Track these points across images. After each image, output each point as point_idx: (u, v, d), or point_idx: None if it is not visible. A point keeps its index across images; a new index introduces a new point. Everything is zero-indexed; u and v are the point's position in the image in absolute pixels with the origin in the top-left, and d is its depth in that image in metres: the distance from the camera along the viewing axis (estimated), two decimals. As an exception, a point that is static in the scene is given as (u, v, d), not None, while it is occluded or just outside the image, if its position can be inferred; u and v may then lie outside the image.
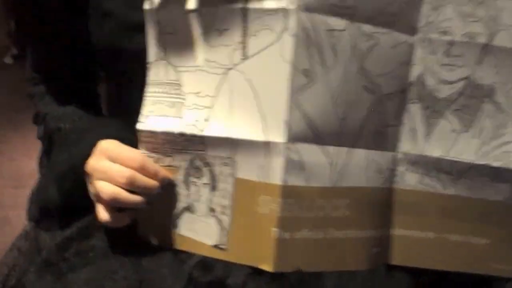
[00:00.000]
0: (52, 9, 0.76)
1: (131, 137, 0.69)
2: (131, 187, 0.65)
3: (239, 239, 0.65)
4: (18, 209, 0.81)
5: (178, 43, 0.66)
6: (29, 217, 0.78)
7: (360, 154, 0.66)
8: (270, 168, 0.63)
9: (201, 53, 0.66)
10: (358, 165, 0.66)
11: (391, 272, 0.68)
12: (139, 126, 0.69)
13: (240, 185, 0.65)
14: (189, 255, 0.68)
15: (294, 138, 0.62)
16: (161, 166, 0.68)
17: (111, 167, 0.65)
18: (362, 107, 0.65)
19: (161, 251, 0.69)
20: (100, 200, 0.66)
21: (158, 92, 0.69)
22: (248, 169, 0.64)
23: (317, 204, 0.64)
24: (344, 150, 0.65)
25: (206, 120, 0.66)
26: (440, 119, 0.67)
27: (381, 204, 0.68)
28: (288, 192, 0.62)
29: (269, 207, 0.63)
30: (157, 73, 0.69)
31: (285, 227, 0.63)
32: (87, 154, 0.69)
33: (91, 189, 0.68)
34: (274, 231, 0.63)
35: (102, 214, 0.66)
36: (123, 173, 0.65)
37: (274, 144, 0.62)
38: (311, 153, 0.63)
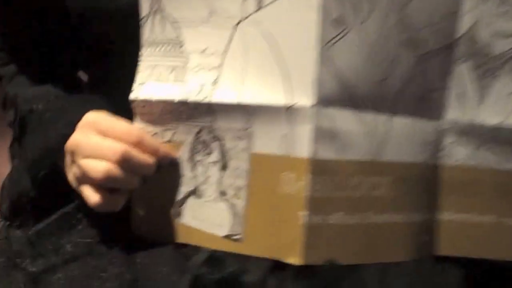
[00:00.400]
0: None
1: (119, 116, 0.57)
2: (126, 165, 0.54)
3: (257, 226, 0.53)
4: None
5: None
6: (0, 214, 0.66)
7: (402, 123, 0.55)
8: (295, 138, 0.51)
9: (205, 3, 0.54)
10: (399, 136, 0.55)
11: (439, 264, 0.56)
12: (133, 95, 0.57)
13: (258, 161, 0.53)
14: (194, 249, 0.56)
15: (324, 100, 0.51)
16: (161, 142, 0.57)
17: (102, 142, 0.55)
18: (403, 65, 0.54)
19: (160, 246, 0.58)
20: (88, 180, 0.55)
21: (155, 54, 0.57)
22: (267, 141, 0.52)
23: (353, 182, 0.52)
24: (383, 117, 0.54)
25: (214, 84, 0.54)
26: (495, 79, 0.57)
27: (427, 183, 0.57)
28: (318, 167, 0.51)
29: (295, 186, 0.51)
30: (152, 30, 0.57)
31: (316, 210, 0.51)
32: (65, 135, 0.58)
33: (73, 170, 0.56)
34: (302, 215, 0.51)
35: (92, 196, 0.55)
36: (116, 148, 0.54)
37: (300, 108, 0.51)
38: (345, 119, 0.52)
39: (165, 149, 0.56)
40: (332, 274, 0.52)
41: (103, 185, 0.54)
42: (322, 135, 0.51)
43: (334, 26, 0.51)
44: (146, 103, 0.57)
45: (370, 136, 0.53)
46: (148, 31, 0.57)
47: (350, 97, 0.52)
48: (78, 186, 0.57)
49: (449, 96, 0.57)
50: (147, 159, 0.55)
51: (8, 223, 0.63)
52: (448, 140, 0.57)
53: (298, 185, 0.51)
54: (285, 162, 0.51)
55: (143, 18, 0.57)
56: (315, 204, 0.51)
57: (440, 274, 0.56)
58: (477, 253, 0.57)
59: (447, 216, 0.57)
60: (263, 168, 0.53)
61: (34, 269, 0.56)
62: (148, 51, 0.57)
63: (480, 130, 0.57)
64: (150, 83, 0.57)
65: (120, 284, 0.54)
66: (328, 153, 0.51)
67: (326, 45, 0.50)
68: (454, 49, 0.56)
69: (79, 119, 0.57)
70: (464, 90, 0.57)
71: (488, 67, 0.56)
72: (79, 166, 0.55)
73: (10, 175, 0.66)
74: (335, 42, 0.51)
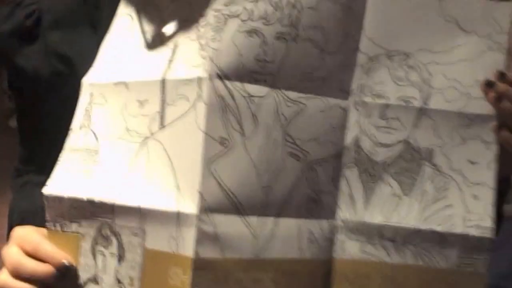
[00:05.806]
0: None
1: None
2: (18, 275, 0.60)
3: None
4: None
5: (104, 113, 0.64)
6: None
7: (289, 224, 0.60)
8: (181, 239, 0.56)
9: (123, 122, 0.63)
10: (286, 235, 0.60)
11: None
12: (45, 190, 0.64)
13: (150, 256, 0.58)
14: None
15: (208, 209, 0.56)
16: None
17: (5, 252, 0.62)
18: (289, 174, 0.60)
19: None
20: None
21: (73, 159, 0.65)
22: (158, 239, 0.58)
23: (234, 277, 0.57)
24: (269, 220, 0.59)
25: (116, 187, 0.61)
26: (379, 183, 0.63)
27: (319, 276, 0.61)
28: (200, 264, 0.56)
29: (180, 279, 0.56)
30: (76, 140, 0.65)
31: None
32: None
33: None
34: None
35: None
36: (11, 258, 0.61)
37: (186, 215, 0.56)
38: (230, 224, 0.57)
39: (61, 256, 0.61)
40: None
41: None
42: (205, 237, 0.56)
43: (218, 144, 0.57)
44: (57, 198, 0.63)
45: (255, 237, 0.58)
46: (73, 140, 0.65)
47: (235, 205, 0.57)
48: None
49: (340, 197, 0.62)
50: (40, 268, 0.60)
51: None
52: (340, 236, 0.62)
53: (183, 279, 0.56)
54: (173, 259, 0.57)
55: (72, 130, 0.65)
56: None
57: None
58: None
59: None
60: (155, 262, 0.58)
61: None
62: (68, 155, 0.65)
63: (368, 228, 0.62)
64: (62, 181, 0.64)
65: None
66: (210, 253, 0.56)
67: (211, 161, 0.56)
68: (342, 157, 0.62)
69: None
70: (352, 192, 0.62)
71: (372, 172, 0.62)
72: None
73: None
74: (219, 158, 0.57)
